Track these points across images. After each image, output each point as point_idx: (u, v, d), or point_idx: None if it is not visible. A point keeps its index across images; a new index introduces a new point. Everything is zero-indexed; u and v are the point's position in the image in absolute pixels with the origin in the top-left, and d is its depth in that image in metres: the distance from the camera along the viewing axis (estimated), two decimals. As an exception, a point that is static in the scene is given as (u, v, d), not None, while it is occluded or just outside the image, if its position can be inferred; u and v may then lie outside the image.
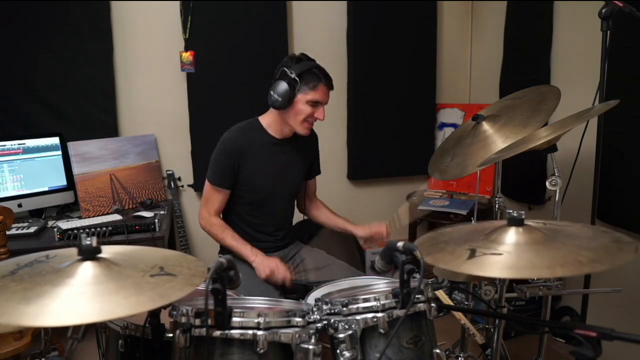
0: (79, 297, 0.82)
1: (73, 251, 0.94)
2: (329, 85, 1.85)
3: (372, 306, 1.08)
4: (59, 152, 2.67)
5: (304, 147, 2.03)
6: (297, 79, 1.77)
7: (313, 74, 1.80)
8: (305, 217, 2.24)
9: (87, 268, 0.90)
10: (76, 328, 2.37)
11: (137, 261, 0.98)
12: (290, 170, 1.98)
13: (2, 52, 2.66)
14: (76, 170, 2.63)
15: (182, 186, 3.03)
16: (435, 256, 1.04)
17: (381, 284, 1.26)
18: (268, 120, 1.93)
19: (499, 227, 1.09)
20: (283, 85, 1.77)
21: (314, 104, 1.81)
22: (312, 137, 2.09)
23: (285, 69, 1.78)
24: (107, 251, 0.98)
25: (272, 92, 1.80)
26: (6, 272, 0.91)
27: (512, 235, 1.04)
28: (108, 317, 0.80)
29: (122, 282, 0.88)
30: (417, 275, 1.03)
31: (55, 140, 2.67)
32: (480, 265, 0.96)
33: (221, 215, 1.98)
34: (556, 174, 1.62)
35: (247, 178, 1.90)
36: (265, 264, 1.81)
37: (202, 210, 1.94)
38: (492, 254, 0.98)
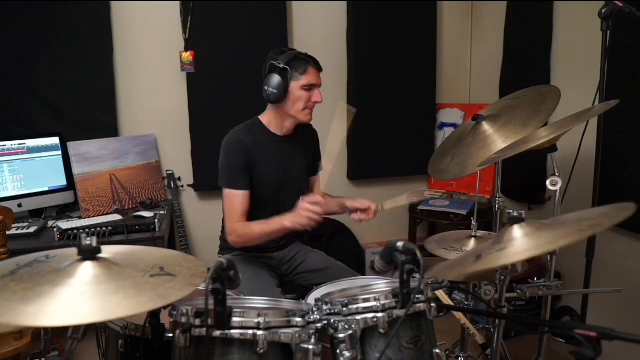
0: (79, 297, 0.82)
1: (73, 251, 0.94)
2: (318, 67, 1.86)
3: (372, 306, 1.08)
4: (59, 152, 2.67)
5: (305, 143, 2.03)
6: (287, 67, 1.79)
7: (300, 59, 1.82)
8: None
9: (87, 268, 0.90)
10: (76, 328, 2.37)
11: (137, 261, 0.98)
12: (294, 167, 1.98)
13: (2, 52, 2.66)
14: (76, 170, 2.63)
15: (182, 186, 3.03)
16: (441, 267, 1.05)
17: (381, 284, 1.26)
18: (268, 118, 1.93)
19: (502, 231, 1.10)
20: (275, 78, 1.79)
21: (309, 87, 1.83)
22: (312, 133, 2.09)
23: (273, 62, 1.81)
24: (107, 251, 0.98)
25: (266, 87, 1.81)
26: (6, 272, 0.91)
27: (515, 231, 1.05)
28: (108, 317, 0.80)
29: (122, 282, 0.87)
30: (417, 275, 1.03)
31: (55, 140, 2.67)
32: (487, 262, 0.97)
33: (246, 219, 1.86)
34: (556, 174, 1.62)
35: (255, 176, 1.89)
36: (299, 221, 1.66)
37: (227, 224, 1.83)
38: (496, 252, 0.99)
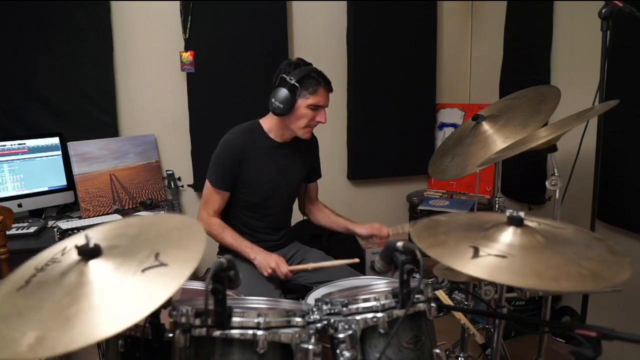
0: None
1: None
2: (329, 88, 1.84)
3: (372, 306, 1.08)
4: (59, 152, 2.67)
5: (304, 150, 2.03)
6: (297, 84, 1.77)
7: (312, 78, 1.79)
8: (305, 218, 2.24)
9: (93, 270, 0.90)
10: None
11: (138, 247, 0.97)
12: (289, 173, 1.99)
13: (2, 52, 2.66)
14: (76, 170, 2.63)
15: (182, 186, 3.03)
16: (436, 250, 1.02)
17: (381, 284, 1.26)
18: (269, 124, 1.93)
19: (497, 224, 1.08)
20: (283, 92, 1.77)
21: (315, 107, 1.82)
22: (312, 141, 2.08)
23: (284, 75, 1.78)
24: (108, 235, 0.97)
25: (272, 100, 1.79)
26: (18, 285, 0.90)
27: (512, 236, 1.04)
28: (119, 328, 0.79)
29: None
30: (417, 275, 1.03)
31: (55, 140, 2.66)
32: (486, 268, 0.95)
33: (220, 216, 1.98)
34: (556, 174, 1.62)
35: (247, 180, 1.90)
36: (265, 264, 1.81)
37: (202, 211, 1.95)
38: (496, 256, 0.98)
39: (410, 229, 2.01)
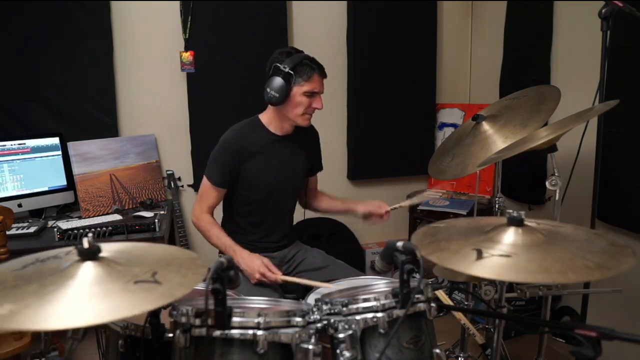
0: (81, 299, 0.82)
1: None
2: (323, 74, 1.85)
3: (372, 306, 1.08)
4: (59, 152, 2.67)
5: (306, 143, 2.03)
6: (291, 72, 1.77)
7: (306, 65, 1.80)
8: (305, 218, 2.24)
9: (86, 269, 0.90)
10: (76, 328, 2.37)
11: (138, 260, 0.98)
12: (292, 166, 1.98)
13: (2, 52, 2.66)
14: (76, 170, 2.63)
15: (182, 186, 3.03)
16: (440, 255, 1.03)
17: (381, 284, 1.26)
18: (268, 117, 1.93)
19: (497, 226, 1.08)
20: (278, 81, 1.78)
21: (311, 94, 1.82)
22: (313, 134, 2.09)
23: (278, 64, 1.79)
24: (110, 249, 0.98)
25: (267, 89, 1.80)
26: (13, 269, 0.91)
27: (513, 236, 1.04)
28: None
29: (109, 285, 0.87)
30: (417, 275, 1.03)
31: (55, 140, 2.66)
32: (492, 268, 0.96)
33: (213, 213, 1.96)
34: (556, 174, 1.62)
35: (250, 176, 1.90)
36: (251, 272, 1.77)
37: (196, 206, 1.94)
38: (500, 256, 0.98)
39: (407, 202, 2.08)
